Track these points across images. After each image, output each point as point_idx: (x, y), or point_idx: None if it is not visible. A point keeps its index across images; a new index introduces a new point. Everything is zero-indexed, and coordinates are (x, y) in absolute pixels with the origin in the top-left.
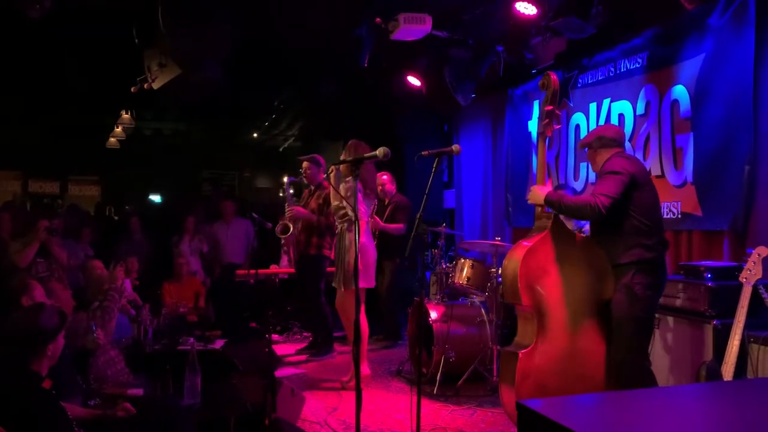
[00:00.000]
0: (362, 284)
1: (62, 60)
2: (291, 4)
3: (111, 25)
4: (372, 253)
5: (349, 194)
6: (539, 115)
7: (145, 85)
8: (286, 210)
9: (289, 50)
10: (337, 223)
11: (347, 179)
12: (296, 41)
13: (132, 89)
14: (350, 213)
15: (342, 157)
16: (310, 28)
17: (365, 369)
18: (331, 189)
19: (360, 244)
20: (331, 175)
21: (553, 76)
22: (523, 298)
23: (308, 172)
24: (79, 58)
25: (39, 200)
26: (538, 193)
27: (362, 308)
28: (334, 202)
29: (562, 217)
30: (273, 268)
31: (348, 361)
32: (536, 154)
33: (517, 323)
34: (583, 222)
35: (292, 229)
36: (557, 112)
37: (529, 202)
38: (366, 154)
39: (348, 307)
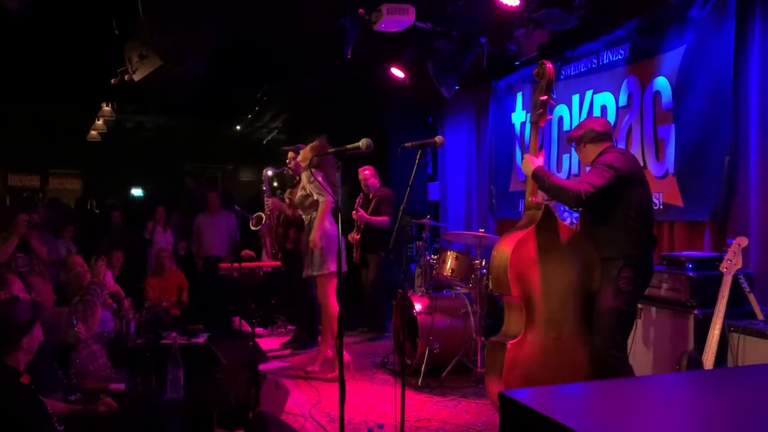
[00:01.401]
0: (333, 267)
1: (42, 52)
2: None
3: (91, 16)
4: (335, 240)
5: (312, 181)
6: (532, 104)
7: (126, 77)
8: (265, 202)
9: (272, 43)
10: (303, 215)
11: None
12: (279, 34)
13: (112, 81)
14: (315, 196)
15: (307, 153)
16: (294, 21)
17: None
18: (304, 179)
19: (327, 230)
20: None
21: (549, 65)
22: (512, 288)
23: (293, 162)
24: (59, 49)
25: (19, 194)
26: (530, 162)
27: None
28: (300, 192)
29: (551, 205)
30: (245, 253)
31: (333, 354)
32: (519, 146)
33: (504, 314)
34: (562, 213)
35: (264, 219)
36: (551, 102)
37: (522, 170)
38: (349, 146)
39: (324, 293)
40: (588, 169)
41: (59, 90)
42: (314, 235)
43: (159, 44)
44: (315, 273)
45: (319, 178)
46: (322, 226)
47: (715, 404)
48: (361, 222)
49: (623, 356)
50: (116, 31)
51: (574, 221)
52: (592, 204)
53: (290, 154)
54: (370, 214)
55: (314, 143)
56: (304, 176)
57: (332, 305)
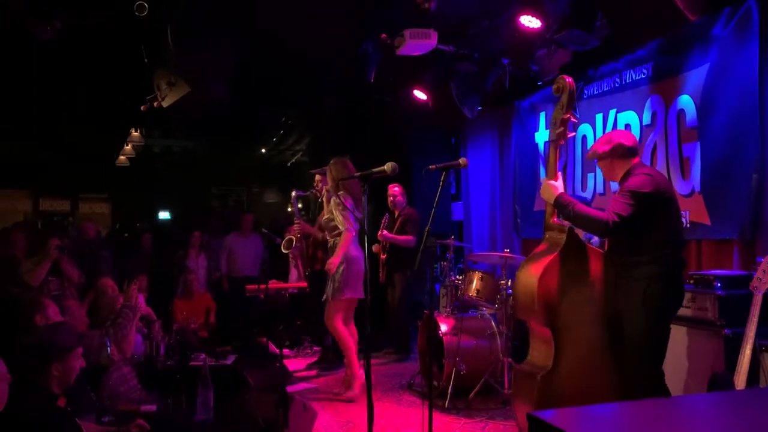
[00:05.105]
0: (349, 295)
1: (73, 79)
2: (297, 21)
3: (121, 45)
4: (360, 265)
5: (339, 208)
6: (553, 122)
7: (155, 104)
8: (295, 224)
9: (296, 66)
10: (328, 237)
11: (338, 194)
12: (302, 57)
13: (142, 108)
14: (338, 224)
15: (329, 176)
16: (317, 45)
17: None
18: (325, 203)
19: (350, 256)
20: (324, 193)
21: (568, 79)
22: (541, 316)
23: (320, 185)
24: (89, 77)
25: (50, 218)
26: (550, 189)
27: (351, 319)
28: (326, 215)
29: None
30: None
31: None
32: (544, 165)
33: (530, 339)
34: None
35: (295, 242)
36: (573, 119)
37: (541, 196)
38: (375, 169)
39: (330, 317)
40: (611, 185)
41: (89, 116)
42: (332, 259)
43: (186, 70)
44: (329, 298)
45: (348, 204)
46: (343, 253)
47: (748, 425)
48: (386, 242)
49: (659, 377)
50: (146, 59)
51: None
52: (619, 231)
53: (317, 177)
54: (395, 234)
55: (334, 164)
56: (332, 202)
57: (339, 329)
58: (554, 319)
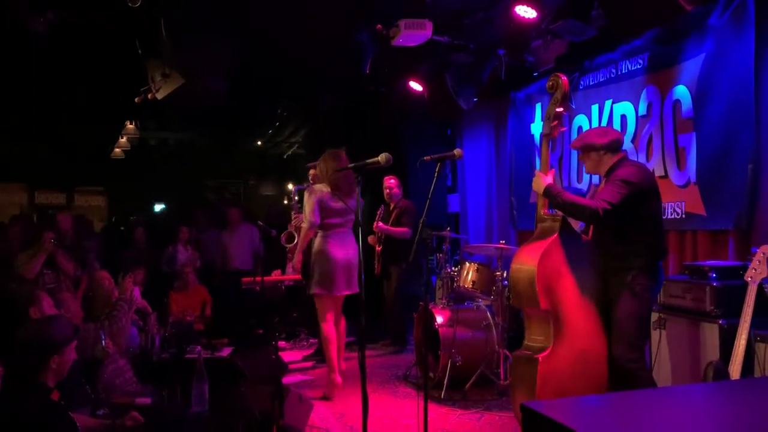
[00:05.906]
0: (323, 291)
1: (68, 72)
2: (292, 13)
3: (115, 36)
4: (334, 262)
5: (308, 201)
6: (547, 116)
7: (149, 96)
8: (293, 218)
9: (291, 58)
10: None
11: (308, 188)
12: (298, 50)
13: (136, 100)
14: (302, 220)
15: (319, 168)
16: (312, 36)
17: (337, 377)
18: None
19: (320, 252)
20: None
21: (563, 78)
22: (541, 301)
23: (316, 178)
24: (84, 70)
25: (45, 212)
26: (539, 180)
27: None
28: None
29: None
30: (275, 274)
31: (350, 369)
32: (539, 157)
33: (526, 324)
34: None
35: (297, 237)
36: (566, 112)
37: (533, 188)
38: (369, 161)
39: (317, 313)
40: (597, 177)
41: (84, 109)
42: (295, 259)
43: (181, 61)
44: (309, 291)
45: (318, 199)
46: (301, 249)
47: (742, 415)
48: (382, 234)
49: (642, 361)
50: (139, 51)
51: None
52: (607, 219)
53: (312, 171)
54: (391, 226)
55: (326, 156)
56: (305, 193)
57: (322, 328)
58: (554, 303)
